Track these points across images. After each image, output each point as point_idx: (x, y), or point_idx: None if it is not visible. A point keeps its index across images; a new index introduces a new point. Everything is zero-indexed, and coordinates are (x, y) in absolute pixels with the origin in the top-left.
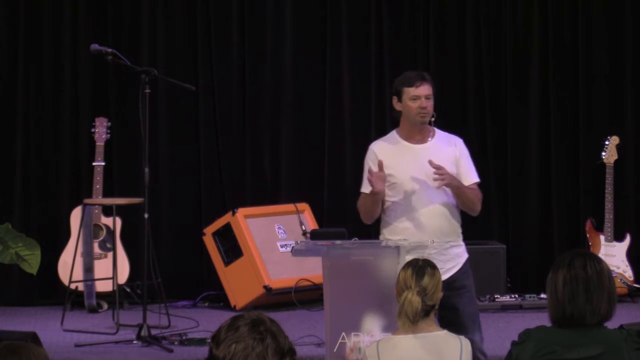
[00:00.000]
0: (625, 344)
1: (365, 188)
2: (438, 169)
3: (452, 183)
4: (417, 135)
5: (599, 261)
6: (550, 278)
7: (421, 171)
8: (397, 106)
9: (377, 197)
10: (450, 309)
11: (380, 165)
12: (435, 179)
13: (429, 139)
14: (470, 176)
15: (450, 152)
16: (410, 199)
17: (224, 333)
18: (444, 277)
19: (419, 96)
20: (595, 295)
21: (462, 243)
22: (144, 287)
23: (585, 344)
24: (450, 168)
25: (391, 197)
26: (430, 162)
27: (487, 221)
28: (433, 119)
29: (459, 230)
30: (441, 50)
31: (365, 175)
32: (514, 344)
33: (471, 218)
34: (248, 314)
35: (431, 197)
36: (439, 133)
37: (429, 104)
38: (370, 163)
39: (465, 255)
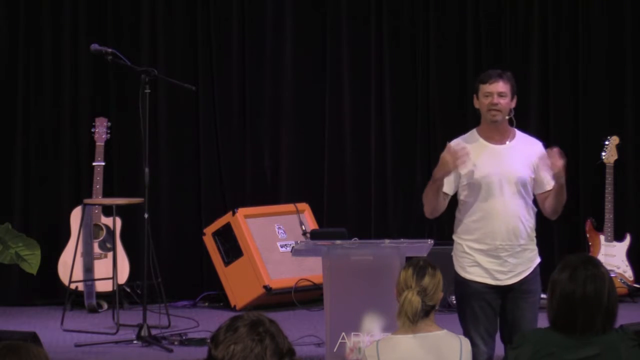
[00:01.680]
0: (622, 344)
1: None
2: (558, 158)
3: (563, 177)
4: (496, 135)
5: (603, 274)
6: (553, 279)
7: (498, 172)
8: (476, 104)
9: (437, 184)
10: (513, 312)
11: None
12: (555, 168)
13: (509, 140)
14: (549, 183)
15: (530, 155)
16: (485, 199)
17: (223, 334)
18: (514, 280)
19: (491, 93)
20: (590, 310)
21: (535, 247)
22: (144, 287)
23: (582, 345)
24: (529, 174)
25: (467, 195)
26: (549, 152)
27: None
28: (509, 117)
29: (533, 234)
30: (441, 51)
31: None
32: (509, 348)
33: None
34: (247, 315)
35: (506, 199)
36: (519, 135)
37: (502, 101)
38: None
39: (537, 260)
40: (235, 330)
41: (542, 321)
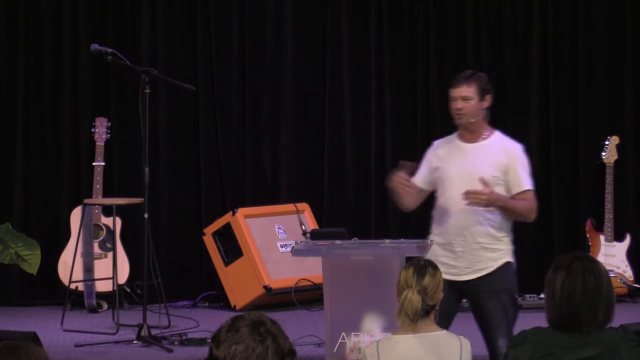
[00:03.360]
0: (623, 344)
1: (415, 177)
2: (473, 193)
3: (494, 204)
4: (467, 134)
5: (598, 266)
6: (549, 280)
7: (464, 170)
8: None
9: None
10: (476, 310)
11: (406, 167)
12: (467, 203)
13: (481, 139)
14: (519, 185)
15: (499, 157)
16: (444, 194)
17: (224, 334)
18: (470, 277)
19: (455, 97)
20: (593, 303)
21: (502, 248)
22: (144, 287)
23: (583, 345)
24: (491, 172)
25: (436, 191)
26: (481, 180)
27: None
28: (474, 119)
29: (501, 234)
30: (441, 51)
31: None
32: (509, 347)
33: None
34: (249, 315)
35: (462, 195)
36: (496, 136)
37: (467, 105)
38: (425, 156)
39: (504, 260)
40: (236, 330)
41: (542, 321)
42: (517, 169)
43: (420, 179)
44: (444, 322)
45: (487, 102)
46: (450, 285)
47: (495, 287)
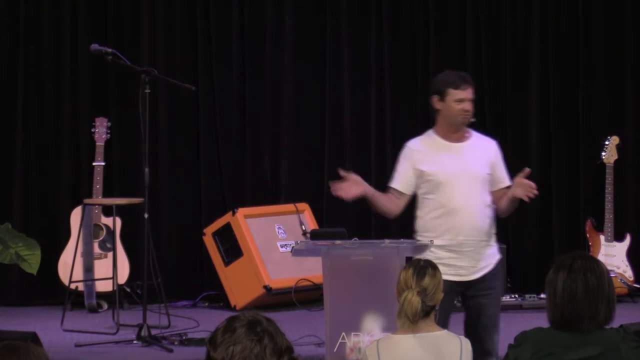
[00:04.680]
0: (624, 345)
1: (393, 182)
2: (529, 185)
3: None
4: (454, 134)
5: (599, 265)
6: (550, 280)
7: (461, 168)
8: (438, 105)
9: (373, 199)
10: (475, 308)
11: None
12: (531, 196)
13: (466, 138)
14: (504, 181)
15: (487, 153)
16: (447, 195)
17: (220, 335)
18: (476, 276)
19: (463, 99)
20: (595, 301)
21: (495, 243)
22: (144, 287)
23: (583, 345)
24: (485, 170)
25: (427, 194)
26: (524, 175)
27: None
28: (473, 120)
29: (493, 230)
30: (441, 51)
31: (395, 170)
32: (511, 346)
33: None
34: (244, 315)
35: (469, 195)
36: (474, 134)
37: (472, 107)
38: (399, 160)
39: (498, 256)
40: (233, 331)
41: (543, 321)
42: (501, 165)
43: (403, 183)
44: (443, 323)
45: None
46: (453, 286)
47: (493, 284)
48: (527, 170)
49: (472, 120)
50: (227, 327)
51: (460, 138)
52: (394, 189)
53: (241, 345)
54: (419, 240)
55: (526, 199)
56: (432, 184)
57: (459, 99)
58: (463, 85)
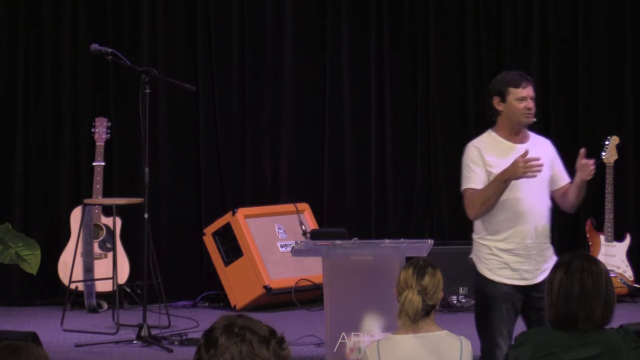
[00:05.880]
0: (624, 345)
1: (473, 183)
2: (588, 163)
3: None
4: (517, 135)
5: (598, 265)
6: (549, 279)
7: None
8: (499, 106)
9: (504, 186)
10: (538, 311)
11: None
12: (589, 174)
13: (527, 139)
14: (564, 178)
15: (547, 152)
16: (514, 197)
17: (205, 353)
18: (540, 278)
19: (525, 97)
20: (590, 301)
21: (551, 245)
22: (144, 287)
23: (583, 345)
24: (547, 170)
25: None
26: (582, 157)
27: None
28: (535, 120)
29: (550, 230)
30: (441, 51)
31: (467, 172)
32: (510, 347)
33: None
34: (217, 324)
35: (535, 197)
36: (532, 134)
37: (534, 105)
38: (472, 161)
39: (555, 258)
40: (215, 343)
41: None
42: (559, 163)
43: (483, 183)
44: (508, 332)
45: None
46: (516, 291)
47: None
48: (582, 151)
49: (534, 120)
50: (208, 343)
51: (523, 139)
52: (473, 189)
53: (229, 353)
54: (419, 240)
55: (589, 178)
56: None
57: (521, 97)
58: (524, 83)
